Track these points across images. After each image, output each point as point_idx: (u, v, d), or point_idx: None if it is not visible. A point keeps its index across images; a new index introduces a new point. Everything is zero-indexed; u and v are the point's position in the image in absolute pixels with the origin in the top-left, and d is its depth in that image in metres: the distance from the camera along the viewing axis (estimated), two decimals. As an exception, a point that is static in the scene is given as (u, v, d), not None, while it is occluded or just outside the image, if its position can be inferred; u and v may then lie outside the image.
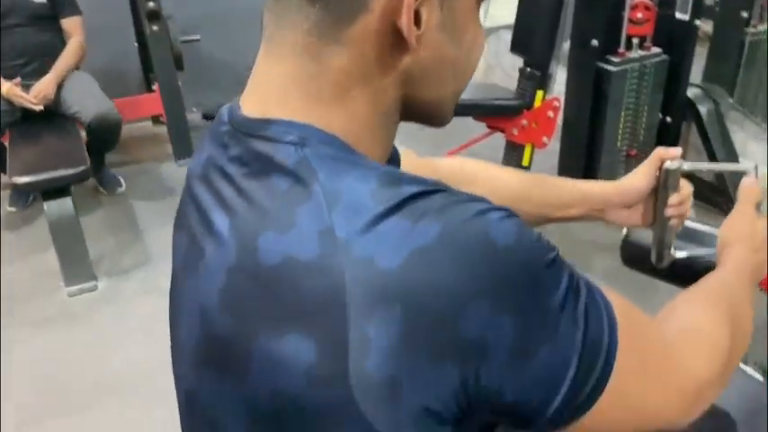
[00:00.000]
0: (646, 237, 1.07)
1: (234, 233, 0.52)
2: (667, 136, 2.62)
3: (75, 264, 2.33)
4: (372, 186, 0.49)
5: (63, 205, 2.29)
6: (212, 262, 0.54)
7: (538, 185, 0.98)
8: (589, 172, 2.58)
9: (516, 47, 2.32)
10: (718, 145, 2.51)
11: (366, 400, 0.47)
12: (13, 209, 2.87)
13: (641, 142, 2.57)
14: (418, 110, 0.59)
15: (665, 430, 0.60)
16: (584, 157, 2.54)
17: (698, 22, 2.43)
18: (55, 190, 2.28)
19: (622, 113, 2.46)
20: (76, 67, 2.85)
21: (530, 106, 2.29)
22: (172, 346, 0.64)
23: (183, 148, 3.28)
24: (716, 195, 2.54)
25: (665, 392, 0.58)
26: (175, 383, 0.64)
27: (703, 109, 2.55)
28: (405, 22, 0.51)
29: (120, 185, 3.03)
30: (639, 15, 2.35)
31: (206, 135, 0.61)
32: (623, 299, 0.56)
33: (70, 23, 2.83)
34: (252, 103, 0.56)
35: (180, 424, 0.65)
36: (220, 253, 0.53)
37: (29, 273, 2.46)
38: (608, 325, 0.51)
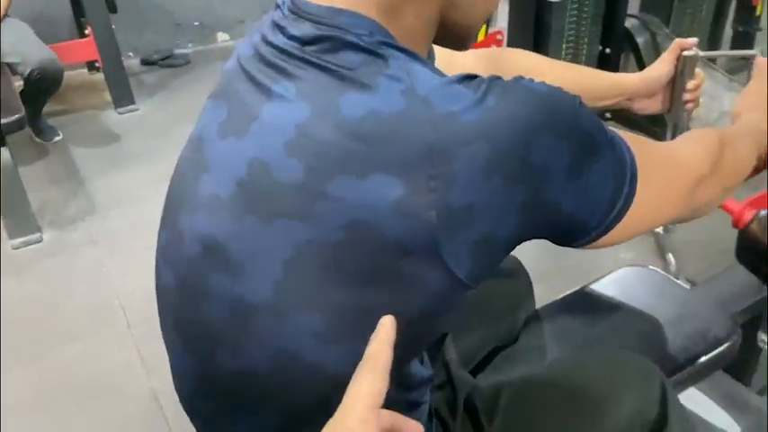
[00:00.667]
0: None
1: (303, 94, 0.58)
2: (607, 66, 2.69)
3: (17, 216, 2.27)
4: (433, 71, 0.58)
5: (1, 156, 2.21)
6: (273, 121, 0.59)
7: (581, 75, 1.08)
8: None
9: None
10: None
11: (442, 229, 0.55)
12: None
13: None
14: (451, 30, 0.66)
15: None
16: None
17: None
18: (-11, 140, 2.19)
19: (563, 44, 2.51)
20: (5, 14, 2.69)
21: (474, 39, 2.30)
22: (172, 206, 0.68)
23: (122, 94, 3.18)
24: (654, 126, 2.64)
25: (672, 194, 0.71)
26: (169, 240, 0.68)
27: (640, 39, 2.61)
28: None
29: (58, 134, 2.92)
30: (578, -55, 2.37)
31: (256, 26, 0.67)
32: (628, 132, 0.68)
33: (-8, -35, 2.67)
34: None
35: (162, 272, 0.69)
36: (284, 111, 0.58)
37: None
38: (627, 149, 0.63)
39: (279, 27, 0.62)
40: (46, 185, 2.59)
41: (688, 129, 1.08)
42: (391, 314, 0.54)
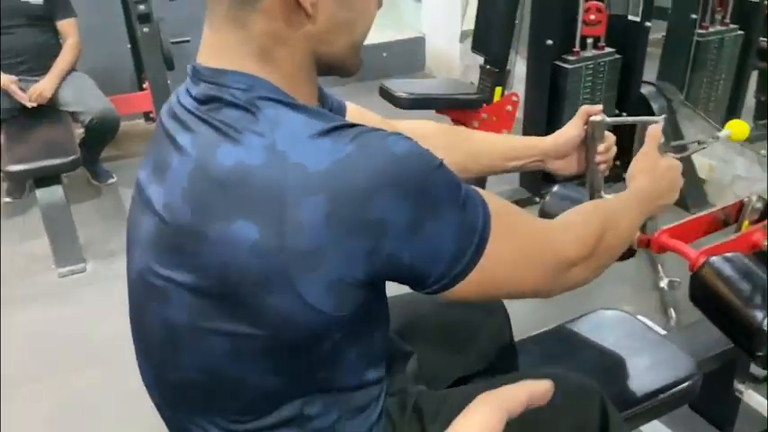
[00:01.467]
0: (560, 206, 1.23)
1: (195, 147, 0.68)
2: (621, 130, 2.78)
3: (66, 247, 2.50)
4: (305, 118, 0.66)
5: (54, 192, 2.46)
6: (177, 170, 0.69)
7: (490, 142, 1.16)
8: (550, 164, 2.75)
9: (477, 46, 2.49)
10: (668, 139, 2.67)
11: (295, 269, 0.63)
12: (8, 199, 3.04)
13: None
14: (328, 63, 0.74)
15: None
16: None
17: (649, 24, 2.60)
18: (46, 178, 2.45)
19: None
20: (73, 68, 3.01)
21: (489, 101, 2.46)
22: (128, 240, 0.80)
23: (171, 143, 3.45)
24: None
25: (532, 268, 0.75)
26: (128, 268, 0.80)
27: (656, 105, 2.72)
28: None
29: (112, 177, 3.19)
30: (592, 17, 2.53)
31: (177, 88, 0.77)
32: (502, 200, 0.74)
33: (65, 25, 3.00)
34: (209, 58, 0.71)
35: (129, 301, 0.81)
36: (184, 162, 0.68)
37: (22, 256, 2.62)
38: (483, 214, 0.68)
39: (187, 88, 0.72)
40: (95, 222, 2.83)
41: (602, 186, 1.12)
42: (270, 342, 0.66)
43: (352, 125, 0.66)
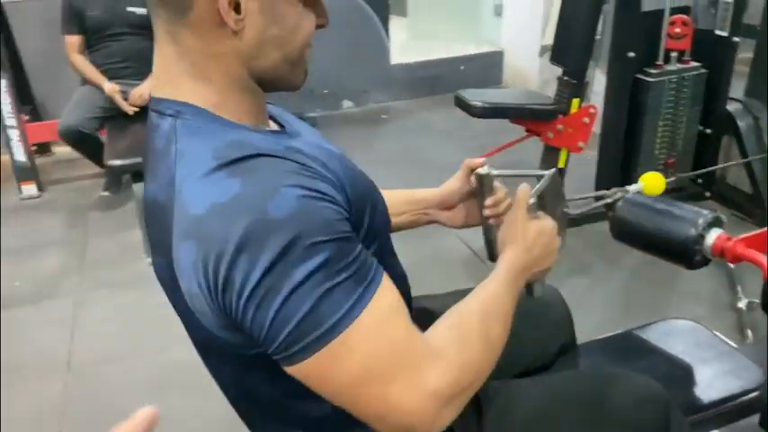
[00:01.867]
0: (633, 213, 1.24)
1: (146, 172, 0.78)
2: (707, 146, 2.72)
3: (156, 238, 2.67)
4: (212, 147, 0.67)
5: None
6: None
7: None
8: (627, 180, 2.71)
9: (555, 57, 2.51)
10: (755, 158, 2.59)
11: (192, 306, 0.69)
12: (106, 193, 3.28)
13: (680, 151, 2.68)
14: (262, 78, 0.75)
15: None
16: (621, 165, 2.68)
17: (736, 39, 2.54)
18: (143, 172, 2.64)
19: (660, 123, 2.59)
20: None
21: (565, 112, 2.46)
22: None
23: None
24: (754, 207, 2.62)
25: (382, 392, 0.66)
26: None
27: (742, 123, 2.64)
28: (223, 8, 0.68)
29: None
30: (677, 30, 2.49)
31: None
32: (393, 304, 0.68)
33: (166, 33, 3.23)
34: (155, 87, 0.76)
35: None
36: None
37: (116, 246, 2.82)
38: (344, 314, 0.63)
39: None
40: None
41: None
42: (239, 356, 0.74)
43: (266, 155, 0.66)
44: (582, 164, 2.70)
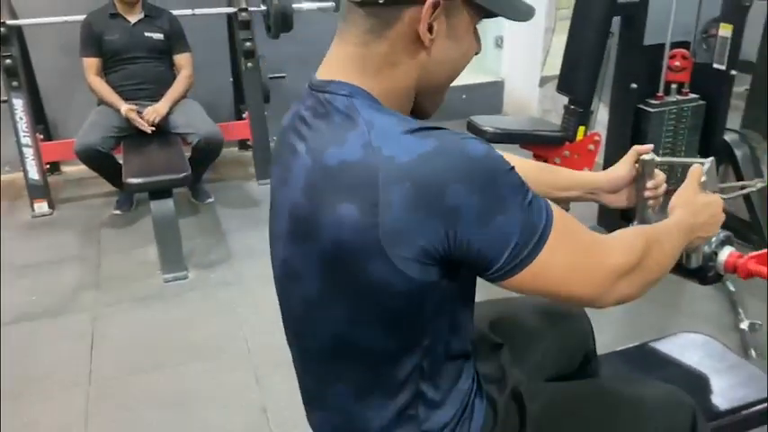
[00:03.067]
0: None
1: (308, 151, 0.83)
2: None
3: (172, 255, 2.73)
4: (396, 121, 0.79)
5: (166, 205, 2.71)
6: (296, 172, 0.84)
7: (546, 172, 1.26)
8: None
9: (562, 87, 2.62)
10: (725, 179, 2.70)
11: (387, 243, 0.76)
12: (118, 212, 3.34)
13: (678, 180, 2.77)
14: (424, 93, 0.86)
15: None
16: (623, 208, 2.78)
17: (733, 72, 2.66)
18: (160, 191, 2.71)
19: (660, 152, 2.70)
20: (185, 96, 3.32)
21: (572, 139, 2.57)
22: (270, 237, 0.96)
23: (264, 170, 3.70)
24: (750, 233, 2.72)
25: (584, 272, 0.84)
26: (272, 261, 0.96)
27: (739, 152, 2.75)
28: (423, 29, 0.80)
29: (210, 197, 3.46)
30: (677, 63, 2.62)
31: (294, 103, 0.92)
32: (564, 212, 0.83)
33: (181, 59, 3.33)
34: (322, 73, 0.86)
35: (276, 289, 0.97)
36: (300, 165, 0.84)
37: (131, 262, 2.87)
38: (546, 218, 0.79)
39: (302, 101, 0.88)
40: (195, 236, 3.08)
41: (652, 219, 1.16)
42: (383, 301, 0.79)
43: (436, 128, 0.78)
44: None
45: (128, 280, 2.72)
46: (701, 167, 1.09)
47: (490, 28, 4.65)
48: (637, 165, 1.17)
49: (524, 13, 0.88)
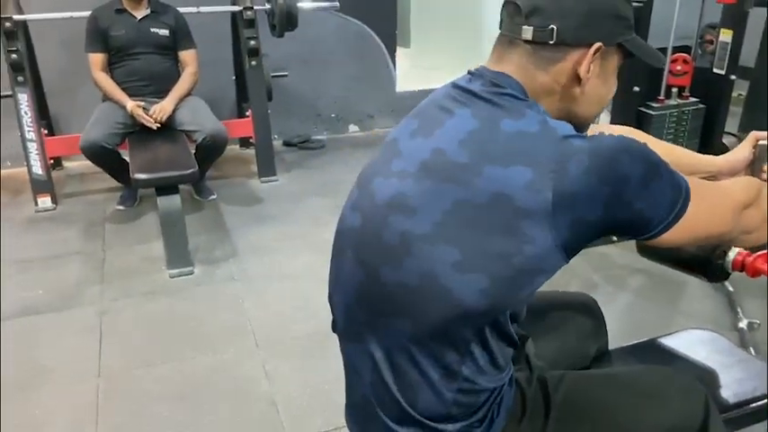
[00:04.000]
0: None
1: (476, 116, 0.91)
2: (704, 177, 2.88)
3: (177, 251, 2.75)
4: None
5: (173, 201, 2.72)
6: (452, 128, 0.92)
7: (683, 152, 1.36)
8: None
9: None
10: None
11: (554, 204, 0.84)
12: (121, 207, 3.35)
13: None
14: (572, 121, 0.95)
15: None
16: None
17: (733, 77, 2.72)
18: (167, 187, 2.72)
19: (660, 153, 2.75)
20: (190, 93, 3.34)
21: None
22: (363, 181, 1.01)
23: (267, 168, 3.73)
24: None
25: (721, 213, 0.99)
26: (360, 200, 1.00)
27: (737, 155, 2.81)
28: (584, 69, 0.92)
29: (213, 194, 3.48)
30: (678, 68, 2.67)
31: (449, 81, 1.00)
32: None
33: (187, 55, 3.35)
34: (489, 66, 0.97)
35: (351, 228, 1.00)
36: (460, 124, 0.91)
37: (135, 258, 2.89)
38: (683, 179, 0.92)
39: (464, 83, 0.97)
40: (199, 233, 3.09)
41: None
42: (506, 258, 0.86)
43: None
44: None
45: (133, 275, 2.73)
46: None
47: (489, 27, 4.68)
48: (754, 149, 1.25)
49: (658, 60, 1.03)
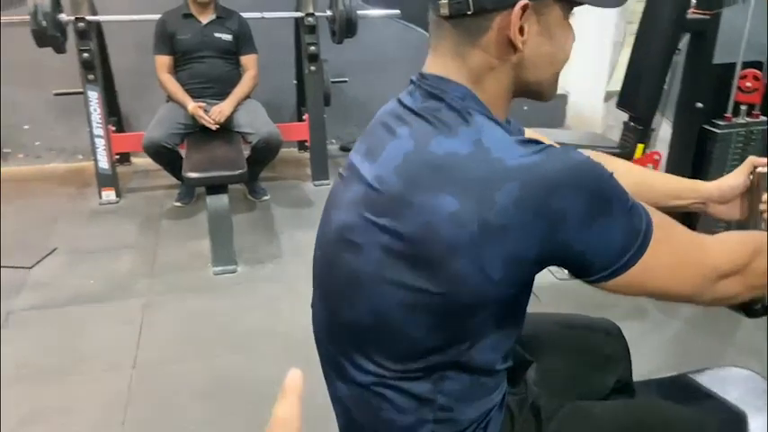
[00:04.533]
0: None
1: (412, 136, 0.83)
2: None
3: (222, 249, 2.81)
4: (502, 130, 0.81)
5: (221, 200, 2.79)
6: (392, 151, 0.84)
7: (658, 177, 1.25)
8: (687, 226, 2.69)
9: (622, 102, 2.54)
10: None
11: (482, 239, 0.75)
12: (178, 204, 3.46)
13: None
14: (528, 89, 0.88)
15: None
16: (684, 214, 2.67)
17: (811, 96, 2.52)
18: (217, 186, 2.79)
19: (724, 173, 2.57)
20: (249, 96, 3.42)
21: (629, 157, 2.48)
22: (328, 206, 0.95)
23: (320, 171, 3.76)
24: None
25: (685, 272, 0.84)
26: (324, 227, 0.95)
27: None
28: (514, 33, 0.81)
29: (266, 195, 3.55)
30: (748, 84, 2.50)
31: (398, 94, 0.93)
32: (662, 214, 0.82)
33: (248, 59, 3.43)
34: (431, 70, 0.87)
35: (317, 254, 0.97)
36: (399, 146, 0.83)
37: (185, 253, 2.97)
38: (646, 221, 0.79)
39: (408, 92, 0.89)
40: (248, 232, 3.16)
41: None
42: (442, 296, 0.78)
43: (539, 142, 0.79)
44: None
45: (180, 270, 2.82)
46: None
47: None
48: (751, 176, 1.14)
49: (614, 1, 0.88)
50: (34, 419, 1.93)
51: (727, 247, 0.88)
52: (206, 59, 3.34)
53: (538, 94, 0.90)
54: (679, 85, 2.55)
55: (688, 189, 1.19)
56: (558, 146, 0.81)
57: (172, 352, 2.28)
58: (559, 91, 4.75)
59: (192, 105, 3.23)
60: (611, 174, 0.79)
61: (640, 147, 2.48)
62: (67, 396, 2.04)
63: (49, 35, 3.11)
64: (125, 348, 2.28)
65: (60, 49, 3.24)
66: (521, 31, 0.81)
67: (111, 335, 2.37)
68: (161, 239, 3.11)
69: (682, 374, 1.40)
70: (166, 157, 3.23)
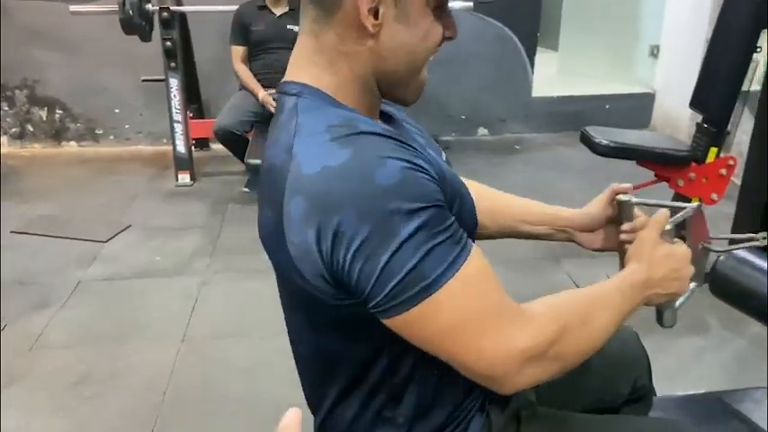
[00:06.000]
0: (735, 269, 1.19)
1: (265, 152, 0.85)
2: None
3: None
4: (329, 121, 0.75)
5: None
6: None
7: (516, 201, 1.16)
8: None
9: (695, 102, 2.39)
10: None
11: (295, 257, 0.74)
12: (246, 189, 3.59)
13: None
14: (386, 80, 0.82)
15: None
16: (760, 224, 2.47)
17: None
18: (276, 173, 2.86)
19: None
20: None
21: (701, 160, 2.33)
22: None
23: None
24: None
25: (473, 342, 0.73)
26: None
27: None
28: (363, 15, 0.76)
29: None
30: (842, 86, 2.28)
31: None
32: (486, 268, 0.75)
33: (317, 49, 3.49)
34: (288, 73, 0.85)
35: None
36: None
37: (246, 237, 3.03)
38: (445, 269, 0.70)
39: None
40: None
41: None
42: (316, 316, 0.83)
43: (375, 133, 0.74)
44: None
45: (239, 252, 2.92)
46: (666, 214, 0.93)
47: (646, 35, 4.34)
48: (614, 204, 1.04)
49: None
50: (85, 381, 2.08)
51: (534, 325, 0.76)
52: (278, 50, 3.43)
53: (396, 88, 0.84)
54: (759, 86, 2.36)
55: (546, 215, 1.11)
56: (397, 140, 0.75)
57: (220, 329, 2.37)
58: (647, 89, 4.57)
59: (262, 94, 3.33)
60: (425, 207, 0.70)
61: (713, 150, 2.32)
62: (118, 362, 2.17)
63: (135, 24, 3.30)
64: (178, 322, 2.39)
65: (146, 37, 3.43)
66: (376, 15, 0.77)
67: (167, 309, 2.49)
68: (226, 222, 3.24)
69: (710, 393, 1.32)
70: (235, 142, 3.35)
